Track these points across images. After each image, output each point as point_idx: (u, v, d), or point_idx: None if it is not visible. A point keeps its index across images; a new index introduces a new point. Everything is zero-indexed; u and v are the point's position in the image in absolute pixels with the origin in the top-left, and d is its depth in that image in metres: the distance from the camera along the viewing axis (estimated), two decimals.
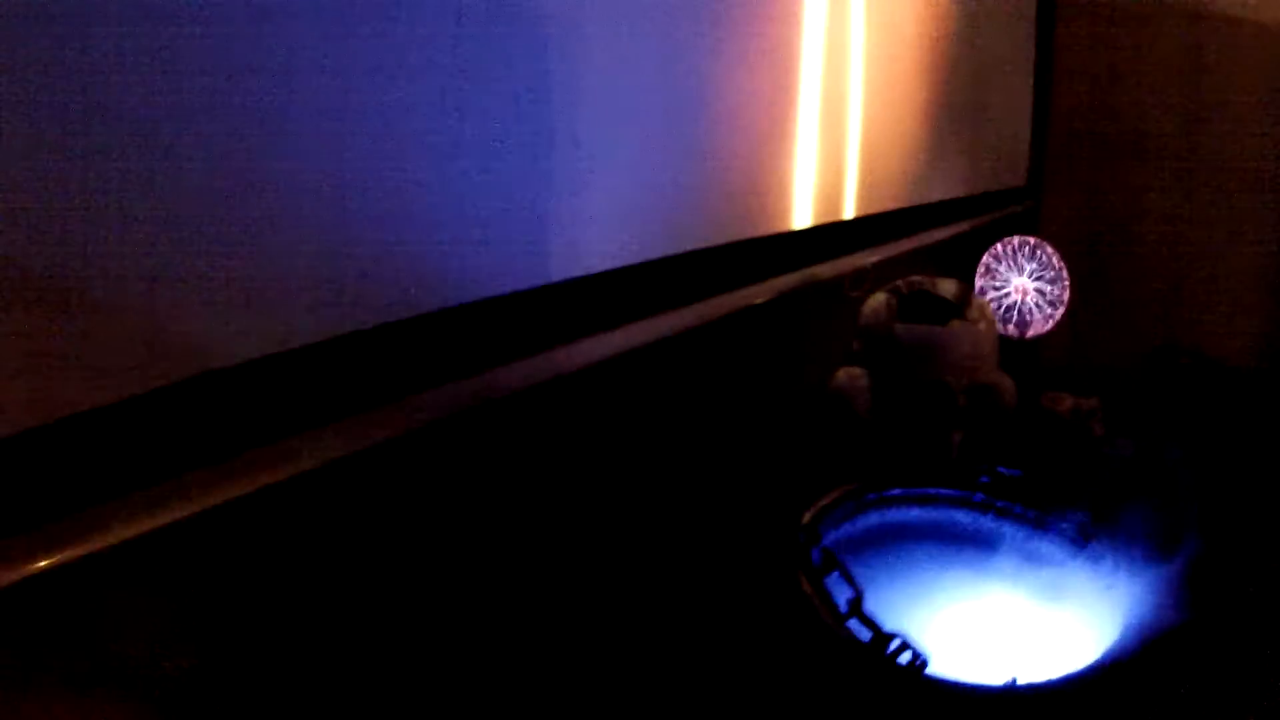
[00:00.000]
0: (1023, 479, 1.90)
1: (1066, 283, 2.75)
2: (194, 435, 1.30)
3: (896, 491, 1.86)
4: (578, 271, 1.91)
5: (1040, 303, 2.77)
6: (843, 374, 2.13)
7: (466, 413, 1.67)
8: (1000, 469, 1.91)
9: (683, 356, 2.08)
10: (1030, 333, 2.76)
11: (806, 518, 1.73)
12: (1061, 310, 2.76)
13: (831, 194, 2.47)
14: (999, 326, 2.76)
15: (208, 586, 1.29)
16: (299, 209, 1.41)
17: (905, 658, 1.43)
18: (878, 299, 2.13)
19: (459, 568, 1.56)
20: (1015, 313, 2.77)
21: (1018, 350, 2.78)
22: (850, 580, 1.56)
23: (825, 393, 2.15)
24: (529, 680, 1.51)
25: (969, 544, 1.84)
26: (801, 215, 2.38)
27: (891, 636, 1.46)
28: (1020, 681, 1.42)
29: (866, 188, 2.55)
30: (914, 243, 2.73)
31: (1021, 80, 3.14)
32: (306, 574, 1.41)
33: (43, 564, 1.10)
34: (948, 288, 2.15)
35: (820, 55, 2.36)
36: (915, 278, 2.17)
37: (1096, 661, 1.48)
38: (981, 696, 1.40)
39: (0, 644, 1.04)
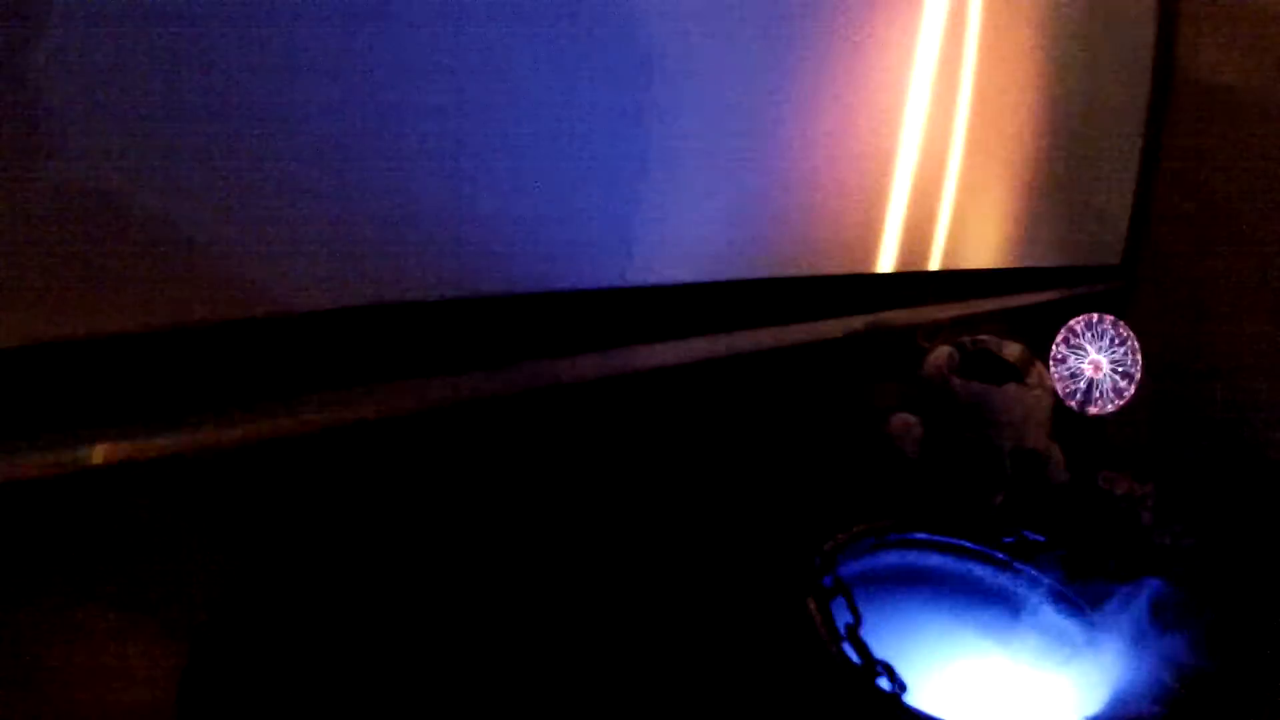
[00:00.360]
0: (1046, 545, 1.95)
1: (1140, 368, 2.78)
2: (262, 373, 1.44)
3: (921, 536, 1.93)
4: (649, 280, 2.02)
5: (1112, 383, 2.80)
6: (898, 418, 2.21)
7: (516, 397, 1.79)
8: (1026, 533, 1.97)
9: (750, 378, 2.17)
10: (1094, 410, 2.79)
11: (828, 546, 1.81)
12: (1130, 395, 2.79)
13: (919, 243, 2.54)
14: (1069, 399, 2.81)
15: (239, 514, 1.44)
16: (381, 186, 1.55)
17: (886, 685, 1.51)
18: (941, 351, 2.20)
19: (466, 557, 1.68)
20: (1084, 388, 2.81)
21: (1083, 424, 2.82)
22: (853, 607, 1.65)
23: (880, 433, 2.23)
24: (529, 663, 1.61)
25: (982, 597, 1.90)
26: (886, 260, 2.46)
27: (878, 663, 1.54)
28: None
29: (955, 242, 2.61)
30: (996, 304, 2.78)
31: (1128, 162, 3.16)
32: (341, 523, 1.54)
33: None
34: (1011, 350, 2.21)
35: (925, 107, 2.43)
36: (981, 336, 2.24)
37: None
38: None
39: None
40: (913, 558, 1.93)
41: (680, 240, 2.06)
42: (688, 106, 1.96)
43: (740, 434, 2.15)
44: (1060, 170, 2.90)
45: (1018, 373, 2.16)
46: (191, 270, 1.34)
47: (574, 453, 1.86)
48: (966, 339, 2.23)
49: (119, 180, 1.24)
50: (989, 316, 2.78)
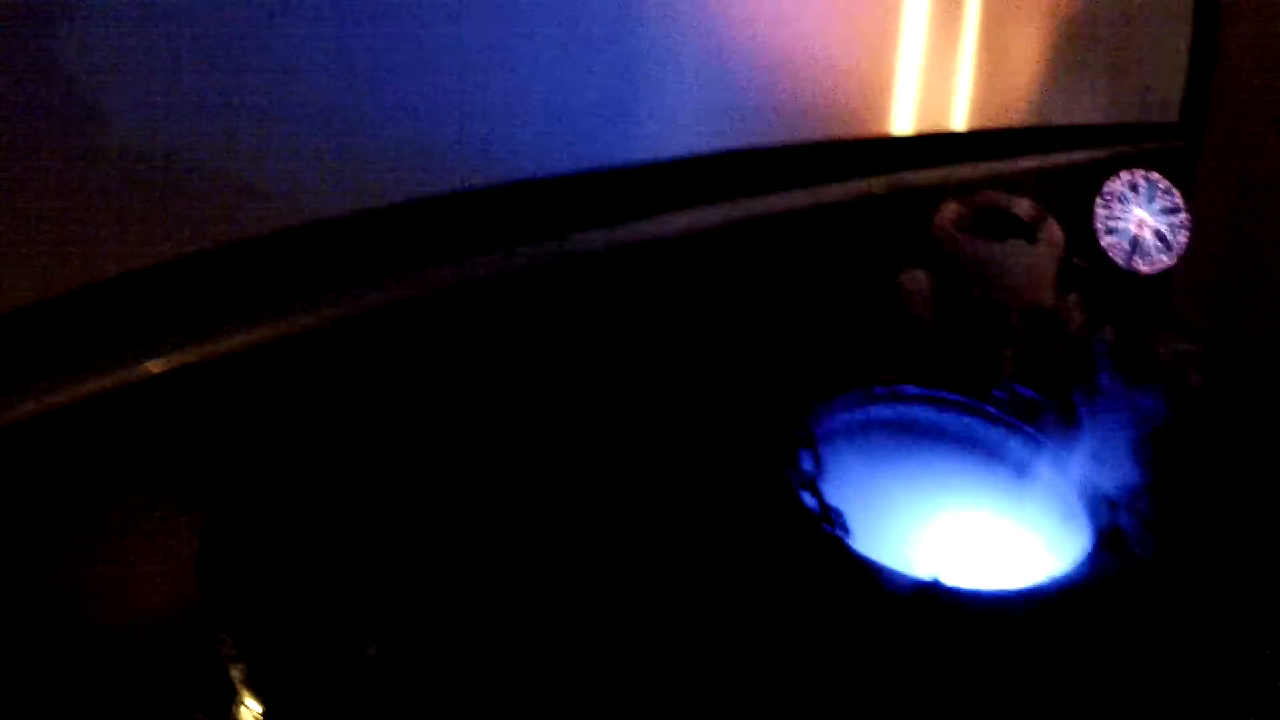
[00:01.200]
0: (1040, 401, 1.94)
1: (1189, 226, 2.68)
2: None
3: (910, 390, 1.94)
4: (667, 154, 2.05)
5: (1158, 240, 2.71)
6: (907, 276, 2.20)
7: (534, 269, 1.86)
8: (1019, 388, 1.96)
9: (771, 243, 2.19)
10: (1142, 268, 2.72)
11: (807, 399, 1.84)
12: (1179, 251, 2.70)
13: (942, 101, 2.48)
14: (1115, 258, 2.74)
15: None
16: (382, 86, 1.62)
17: (838, 531, 1.55)
18: (949, 209, 2.18)
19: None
20: (1129, 245, 2.73)
21: (1138, 284, 2.75)
22: (816, 457, 1.68)
23: (890, 290, 2.23)
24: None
25: (966, 450, 1.91)
26: (906, 120, 2.42)
27: (830, 511, 1.57)
28: (943, 582, 1.50)
29: (983, 99, 2.54)
30: (1034, 163, 2.72)
31: (1180, 13, 2.98)
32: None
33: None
34: (1022, 207, 2.18)
35: None
36: (992, 193, 2.20)
37: (1027, 586, 1.54)
38: (892, 580, 1.50)
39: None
40: (901, 411, 1.95)
41: (692, 111, 2.08)
42: None
43: (757, 297, 2.17)
44: (1101, 19, 2.78)
45: (1028, 229, 2.13)
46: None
47: (602, 317, 1.93)
48: (977, 196, 2.20)
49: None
50: (1029, 176, 2.71)
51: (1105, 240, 2.75)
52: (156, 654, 1.43)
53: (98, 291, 1.41)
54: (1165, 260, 2.72)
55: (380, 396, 1.71)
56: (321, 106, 1.58)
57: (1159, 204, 2.71)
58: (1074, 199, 2.67)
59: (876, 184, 2.36)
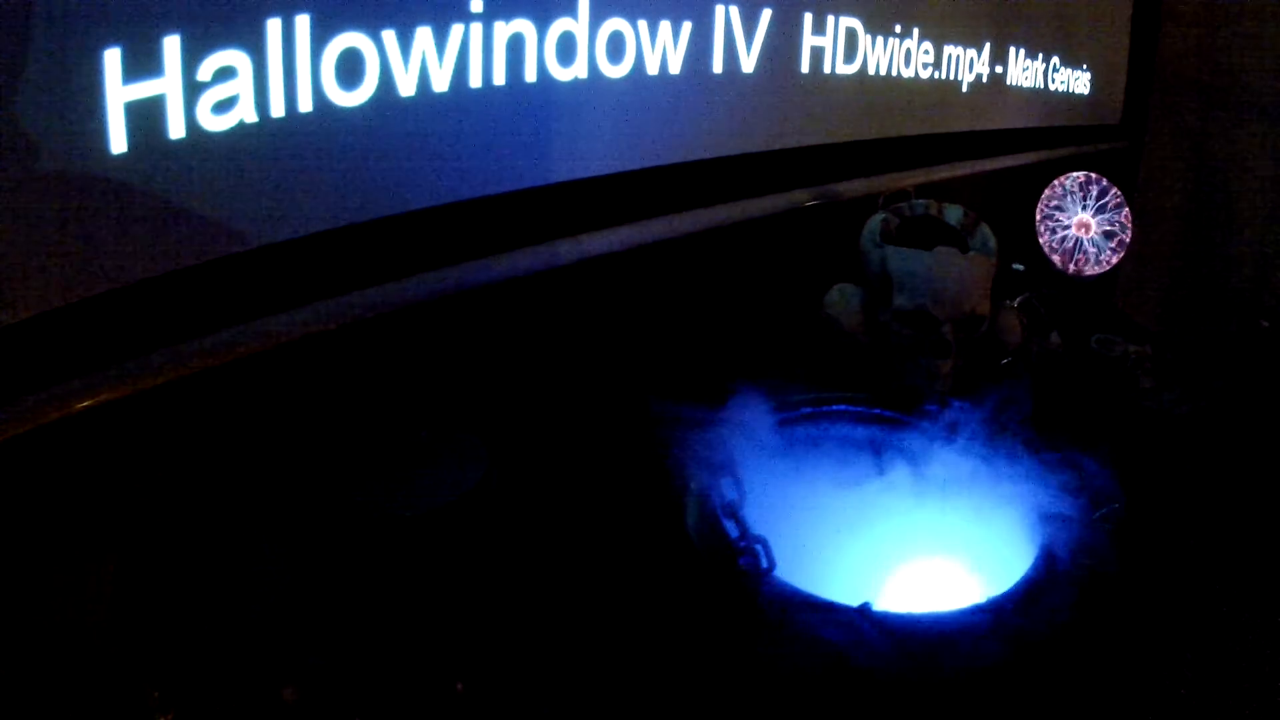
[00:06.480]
0: (976, 413, 1.88)
1: (1130, 226, 2.65)
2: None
3: (841, 407, 1.88)
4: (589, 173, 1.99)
5: (1101, 242, 2.68)
6: (836, 290, 2.13)
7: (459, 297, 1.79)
8: (954, 400, 1.90)
9: (698, 258, 2.13)
10: (1084, 270, 2.68)
11: (729, 421, 1.77)
12: (1121, 252, 2.67)
13: (876, 110, 2.43)
14: (1058, 261, 2.70)
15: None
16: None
17: (759, 561, 1.47)
18: (877, 219, 2.12)
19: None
20: (1072, 248, 2.69)
21: (1081, 290, 2.72)
22: (739, 482, 1.60)
23: (820, 305, 2.15)
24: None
25: (902, 467, 1.84)
26: (838, 129, 2.36)
27: (754, 539, 1.49)
28: (873, 608, 1.42)
29: (918, 107, 2.49)
30: (973, 168, 2.67)
31: (1117, 17, 2.95)
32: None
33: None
34: (954, 214, 2.12)
35: None
36: (921, 201, 2.15)
37: (963, 608, 1.46)
38: (817, 608, 1.42)
39: None
40: (831, 428, 1.88)
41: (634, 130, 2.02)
42: None
43: (683, 314, 2.11)
44: (1041, 25, 2.74)
45: (960, 237, 2.07)
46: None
47: (524, 338, 1.88)
48: (904, 204, 2.14)
49: None
50: (968, 181, 2.67)
51: (1048, 244, 2.71)
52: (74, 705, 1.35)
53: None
54: (1108, 262, 2.69)
55: (291, 435, 1.63)
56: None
57: (1101, 206, 2.67)
58: (1016, 203, 2.63)
59: (805, 196, 2.29)
